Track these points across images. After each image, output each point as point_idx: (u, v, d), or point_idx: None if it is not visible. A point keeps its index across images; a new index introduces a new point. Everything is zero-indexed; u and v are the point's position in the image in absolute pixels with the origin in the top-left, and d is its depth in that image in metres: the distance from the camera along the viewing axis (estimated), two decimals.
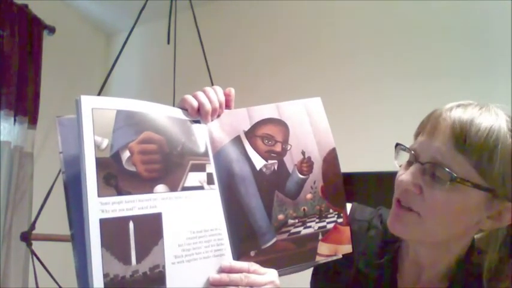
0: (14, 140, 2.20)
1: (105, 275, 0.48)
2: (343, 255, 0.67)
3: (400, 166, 0.63)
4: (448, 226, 0.58)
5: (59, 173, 1.59)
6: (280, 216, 0.64)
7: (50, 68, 2.43)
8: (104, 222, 0.49)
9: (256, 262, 0.60)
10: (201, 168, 0.60)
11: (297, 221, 0.65)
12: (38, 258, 1.75)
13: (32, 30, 2.32)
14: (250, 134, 0.66)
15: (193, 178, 0.58)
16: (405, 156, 0.63)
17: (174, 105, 0.63)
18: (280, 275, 0.61)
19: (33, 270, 1.76)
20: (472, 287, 0.62)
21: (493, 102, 0.59)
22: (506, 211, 0.56)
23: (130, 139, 0.54)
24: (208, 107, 0.62)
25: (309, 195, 0.66)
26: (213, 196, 0.60)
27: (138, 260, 0.50)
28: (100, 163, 0.51)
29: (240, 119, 0.66)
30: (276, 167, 0.65)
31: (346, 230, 0.68)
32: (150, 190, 0.54)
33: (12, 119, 2.18)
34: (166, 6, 1.95)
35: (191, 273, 0.55)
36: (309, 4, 2.27)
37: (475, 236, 0.64)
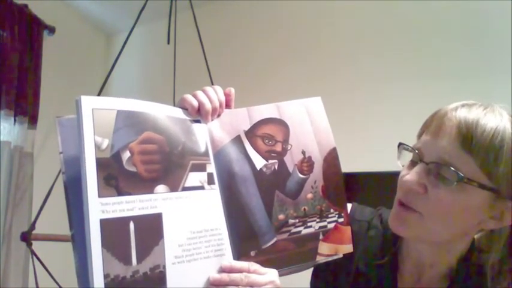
0: (14, 140, 2.20)
1: (106, 276, 0.48)
2: (343, 255, 0.67)
3: (403, 166, 0.63)
4: (451, 226, 0.58)
5: (59, 173, 1.59)
6: (281, 216, 0.64)
7: (50, 68, 2.43)
8: (104, 223, 0.49)
9: (257, 262, 0.60)
10: (201, 168, 0.60)
11: (297, 220, 0.65)
12: (38, 258, 1.74)
13: (32, 30, 2.32)
14: (251, 133, 0.65)
15: (194, 178, 0.58)
16: (408, 156, 0.63)
17: (174, 105, 0.63)
18: (280, 275, 0.61)
19: (33, 270, 1.75)
20: (472, 287, 0.62)
21: (494, 102, 0.59)
22: (508, 211, 0.57)
23: (131, 139, 0.54)
24: (208, 106, 0.62)
25: (309, 195, 0.66)
26: (213, 196, 0.60)
27: (139, 260, 0.50)
28: (100, 163, 0.51)
29: (240, 118, 0.66)
30: (276, 167, 0.65)
31: (347, 230, 0.68)
32: (151, 190, 0.54)
33: (12, 119, 2.18)
34: (166, 6, 1.95)
35: (191, 273, 0.55)
36: (309, 4, 2.27)
37: (475, 236, 0.64)
